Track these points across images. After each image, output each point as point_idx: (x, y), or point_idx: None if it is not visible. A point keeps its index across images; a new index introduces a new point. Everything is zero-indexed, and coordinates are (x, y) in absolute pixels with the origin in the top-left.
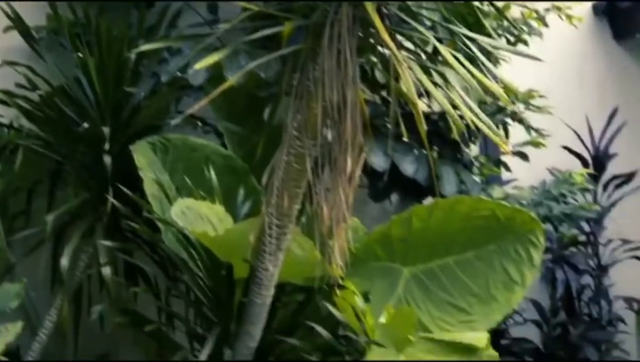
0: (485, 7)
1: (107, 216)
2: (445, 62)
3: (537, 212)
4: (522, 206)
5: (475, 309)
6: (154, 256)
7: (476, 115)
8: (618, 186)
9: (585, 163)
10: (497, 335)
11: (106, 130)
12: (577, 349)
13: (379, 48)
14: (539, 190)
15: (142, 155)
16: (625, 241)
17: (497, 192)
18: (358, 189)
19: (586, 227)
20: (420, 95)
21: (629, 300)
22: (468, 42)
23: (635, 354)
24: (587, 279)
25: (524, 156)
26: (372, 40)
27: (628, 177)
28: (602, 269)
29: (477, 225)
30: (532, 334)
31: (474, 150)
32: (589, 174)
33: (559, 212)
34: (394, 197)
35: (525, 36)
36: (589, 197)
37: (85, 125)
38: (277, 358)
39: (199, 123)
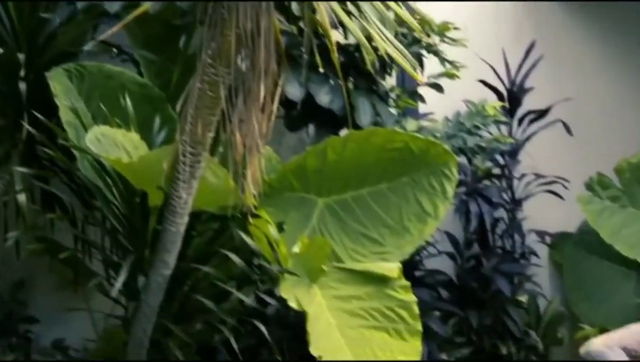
0: None
1: (23, 143)
2: None
3: (451, 144)
4: (436, 139)
5: (388, 241)
6: (71, 184)
7: (392, 45)
8: (533, 121)
9: (501, 97)
10: (411, 266)
11: (21, 56)
12: (490, 281)
13: None
14: (452, 122)
15: (58, 82)
16: (539, 175)
17: (410, 124)
18: (275, 120)
19: (501, 161)
20: (336, 27)
21: (541, 233)
22: None
23: (547, 286)
24: (501, 213)
25: (438, 88)
26: None
27: (543, 112)
28: (516, 203)
29: (391, 157)
30: (446, 266)
31: (391, 82)
32: (505, 108)
33: (473, 144)
34: (311, 129)
35: None
36: (505, 130)
37: (0, 51)
38: (192, 286)
39: (115, 51)
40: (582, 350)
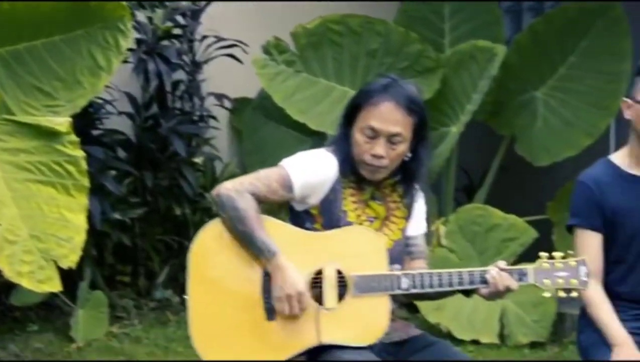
0: None
1: None
2: None
3: None
4: None
5: (60, 94)
6: None
7: None
8: None
9: None
10: (89, 125)
11: None
12: (167, 142)
13: None
14: None
15: None
16: (220, 38)
17: None
18: None
19: (182, 21)
20: None
21: (220, 97)
22: None
23: (226, 150)
24: (180, 75)
25: None
26: None
27: None
28: (196, 65)
29: (66, 8)
30: (125, 126)
31: None
32: None
33: None
34: None
35: None
36: None
37: None
38: None
39: None
40: (213, 192)
